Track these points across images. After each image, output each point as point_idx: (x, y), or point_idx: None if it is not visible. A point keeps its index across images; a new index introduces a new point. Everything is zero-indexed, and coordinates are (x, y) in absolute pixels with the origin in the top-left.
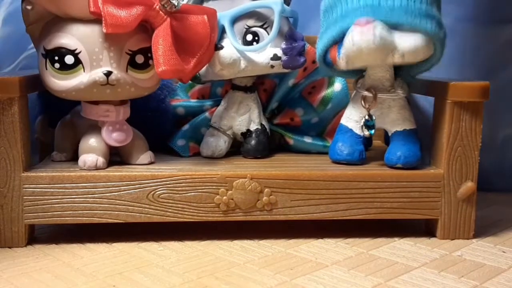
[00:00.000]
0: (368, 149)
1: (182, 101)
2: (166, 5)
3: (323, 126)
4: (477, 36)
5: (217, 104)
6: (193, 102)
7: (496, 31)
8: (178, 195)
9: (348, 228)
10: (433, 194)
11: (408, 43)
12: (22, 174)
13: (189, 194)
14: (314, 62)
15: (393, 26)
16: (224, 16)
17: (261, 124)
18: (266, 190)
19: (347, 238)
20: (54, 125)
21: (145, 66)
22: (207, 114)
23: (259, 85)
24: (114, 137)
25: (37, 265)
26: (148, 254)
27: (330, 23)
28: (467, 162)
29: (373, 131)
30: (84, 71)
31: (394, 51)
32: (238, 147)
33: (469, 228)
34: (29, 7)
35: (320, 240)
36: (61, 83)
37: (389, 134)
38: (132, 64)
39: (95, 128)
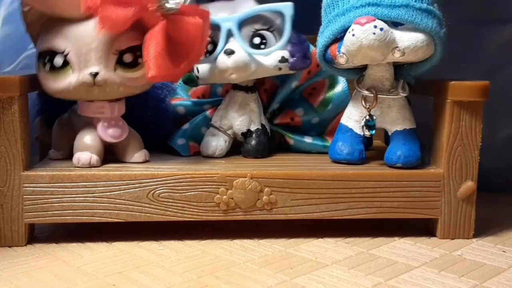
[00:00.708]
0: (369, 149)
1: (182, 100)
2: (163, 7)
3: (323, 126)
4: (477, 36)
5: (217, 103)
6: (193, 101)
7: (496, 31)
8: (178, 194)
9: (348, 227)
10: (433, 193)
11: (408, 41)
12: (22, 173)
13: (189, 193)
14: (318, 65)
15: (394, 24)
16: (230, 19)
17: (262, 124)
18: (266, 189)
19: (347, 238)
20: (52, 124)
21: (134, 65)
22: (207, 113)
23: (260, 85)
24: (109, 133)
25: (37, 264)
26: (148, 254)
27: (330, 19)
28: (467, 162)
29: (373, 131)
30: (72, 71)
31: (394, 49)
32: (238, 147)
33: (469, 227)
34: (25, 9)
35: (320, 239)
36: (52, 84)
37: (389, 134)
38: (121, 63)
39: (90, 126)
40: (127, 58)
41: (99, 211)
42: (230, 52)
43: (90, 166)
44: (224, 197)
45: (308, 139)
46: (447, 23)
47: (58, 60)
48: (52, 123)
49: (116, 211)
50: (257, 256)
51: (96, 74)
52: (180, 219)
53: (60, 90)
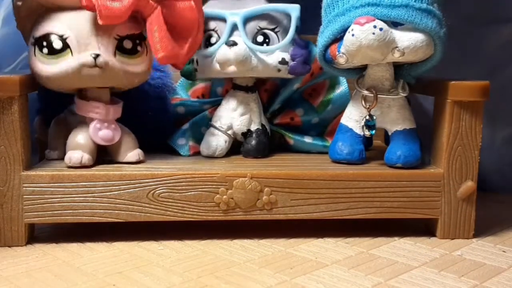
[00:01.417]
0: (369, 149)
1: (182, 100)
2: None
3: (323, 126)
4: (477, 36)
5: (217, 103)
6: (193, 101)
7: (496, 31)
8: (178, 194)
9: (348, 227)
10: (433, 193)
11: (408, 41)
12: (22, 173)
13: (189, 193)
14: (321, 68)
15: (394, 24)
16: (237, 14)
17: (262, 124)
18: (266, 189)
19: (347, 238)
20: (50, 124)
21: (134, 52)
22: (207, 113)
23: (260, 85)
24: (100, 135)
25: (37, 264)
26: (148, 253)
27: (330, 19)
28: (467, 162)
29: (374, 131)
30: (72, 55)
31: (394, 49)
32: (238, 147)
33: (469, 227)
34: (19, 3)
35: (320, 239)
36: (48, 68)
37: (389, 134)
38: (120, 49)
39: (83, 125)
40: (127, 44)
41: (99, 211)
42: (232, 44)
43: (82, 165)
44: (224, 197)
45: (308, 139)
46: (447, 23)
47: (58, 43)
48: (50, 122)
49: (116, 211)
50: (257, 256)
51: (97, 56)
52: (180, 219)
53: (57, 74)
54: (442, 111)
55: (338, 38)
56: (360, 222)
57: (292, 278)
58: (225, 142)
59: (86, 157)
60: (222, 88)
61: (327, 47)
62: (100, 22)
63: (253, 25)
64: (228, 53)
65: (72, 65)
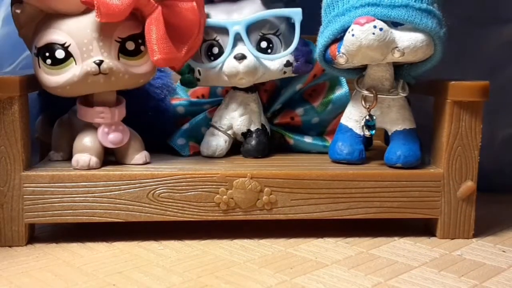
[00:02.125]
0: (369, 149)
1: (182, 100)
2: None
3: (323, 127)
4: (477, 36)
5: (217, 103)
6: (193, 101)
7: (496, 31)
8: (178, 194)
9: (348, 227)
10: (433, 193)
11: (408, 41)
12: (22, 173)
13: (189, 193)
14: (324, 70)
15: (394, 24)
16: (238, 23)
17: (262, 124)
18: (266, 189)
19: (347, 238)
20: (53, 124)
21: (137, 52)
22: (207, 113)
23: (260, 86)
24: (110, 139)
25: (37, 264)
26: (148, 253)
27: (330, 19)
28: (467, 162)
29: (373, 131)
30: (75, 63)
31: (394, 49)
32: (238, 147)
33: (469, 227)
34: (18, 11)
35: (320, 239)
36: (55, 78)
37: (389, 134)
38: (123, 51)
39: (90, 127)
40: (129, 45)
41: (99, 211)
42: (241, 57)
43: (89, 168)
44: (224, 197)
45: (308, 139)
46: (447, 23)
47: (60, 53)
48: (53, 122)
49: (116, 211)
50: (257, 256)
51: (101, 62)
52: (180, 219)
53: (63, 84)
54: (442, 111)
55: (338, 38)
56: (360, 222)
57: (292, 278)
58: (225, 142)
59: (94, 160)
60: (222, 89)
61: (327, 47)
62: (98, 19)
63: (255, 32)
64: (238, 67)
65: (77, 74)
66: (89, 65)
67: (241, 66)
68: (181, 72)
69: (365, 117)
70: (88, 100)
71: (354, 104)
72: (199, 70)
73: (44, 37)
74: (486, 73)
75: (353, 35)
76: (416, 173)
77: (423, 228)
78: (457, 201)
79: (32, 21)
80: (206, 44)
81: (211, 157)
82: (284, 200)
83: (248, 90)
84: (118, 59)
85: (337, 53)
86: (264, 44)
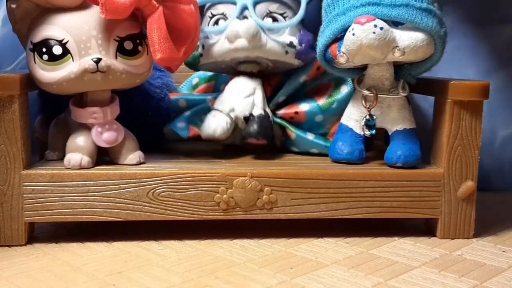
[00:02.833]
0: (369, 149)
1: (184, 94)
2: None
3: (326, 128)
4: (477, 36)
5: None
6: (195, 95)
7: (496, 31)
8: (178, 193)
9: (348, 227)
10: (433, 193)
11: (408, 40)
12: (22, 172)
13: (189, 192)
14: None
15: (394, 23)
16: None
17: (264, 111)
18: (266, 188)
19: (347, 238)
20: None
21: (135, 52)
22: (209, 103)
23: (265, 80)
24: (104, 138)
25: (37, 264)
26: (148, 253)
27: (331, 19)
28: (467, 162)
29: (374, 131)
30: (73, 60)
31: (395, 48)
32: (237, 147)
33: (469, 227)
34: (13, 6)
35: (320, 239)
36: (51, 74)
37: (389, 134)
38: (121, 50)
39: (84, 126)
40: (128, 45)
41: (99, 210)
42: (243, 18)
43: (81, 167)
44: (224, 196)
45: (310, 136)
46: (447, 23)
47: (57, 49)
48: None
49: (116, 210)
50: (257, 256)
51: (99, 60)
52: (180, 218)
53: (59, 80)
54: (442, 111)
55: (338, 38)
56: (360, 222)
57: (292, 278)
58: (226, 123)
59: (85, 160)
60: (225, 85)
61: (327, 46)
62: (102, 16)
63: (262, 8)
64: (239, 25)
65: (74, 71)
66: (87, 62)
67: (242, 24)
68: None
69: (365, 116)
70: (82, 100)
71: (354, 104)
72: (203, 45)
73: (41, 33)
74: (486, 72)
75: (353, 34)
76: (416, 173)
77: (423, 228)
78: (458, 201)
79: (28, 17)
80: (214, 19)
81: (211, 139)
82: (284, 199)
83: (253, 75)
84: (116, 58)
85: (337, 52)
86: (269, 21)
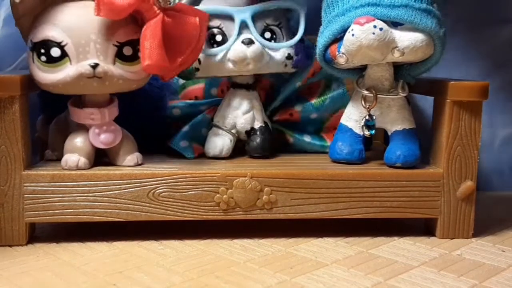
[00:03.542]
0: (368, 149)
1: (178, 102)
2: (161, 0)
3: (321, 122)
4: (477, 36)
5: (214, 104)
6: (190, 102)
7: (495, 31)
8: (178, 193)
9: (348, 227)
10: (433, 193)
11: (408, 41)
12: (23, 172)
13: (189, 192)
14: (321, 67)
15: (393, 24)
16: (243, 11)
17: (264, 122)
18: (266, 189)
19: (347, 237)
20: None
21: (134, 58)
22: (205, 114)
23: (257, 84)
24: (101, 140)
25: (37, 264)
26: (148, 253)
27: (330, 19)
28: (466, 162)
29: (373, 131)
30: (70, 63)
31: (394, 49)
32: (237, 146)
33: (468, 227)
34: (17, 0)
35: (320, 239)
36: (48, 76)
37: (389, 134)
38: (120, 56)
39: (82, 127)
40: (127, 51)
41: (99, 210)
42: (249, 42)
43: (78, 168)
44: (224, 196)
45: (307, 138)
46: (447, 23)
47: (56, 51)
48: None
49: (117, 211)
50: (257, 256)
51: (96, 65)
52: (180, 218)
53: (56, 83)
54: (442, 111)
55: (338, 38)
56: (360, 221)
57: (292, 277)
58: (230, 141)
59: (82, 161)
60: (217, 89)
61: (327, 47)
62: (95, 13)
63: (260, 22)
64: (246, 51)
65: (70, 75)
66: (83, 67)
67: (249, 50)
68: None
69: (365, 117)
70: (80, 100)
71: (354, 104)
72: (199, 59)
73: (41, 33)
74: (486, 73)
75: (353, 35)
76: (416, 173)
77: (422, 228)
78: (457, 201)
79: (30, 13)
80: (209, 32)
81: (217, 158)
82: (284, 199)
83: (249, 87)
84: (114, 63)
85: (337, 53)
86: (268, 35)
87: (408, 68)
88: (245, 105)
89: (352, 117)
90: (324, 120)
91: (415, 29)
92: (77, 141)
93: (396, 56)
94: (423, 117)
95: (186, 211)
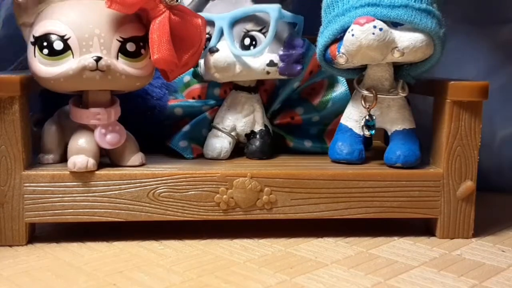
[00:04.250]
0: (368, 149)
1: (180, 101)
2: None
3: (324, 125)
4: (477, 36)
5: (217, 104)
6: (192, 102)
7: (495, 31)
8: (178, 193)
9: (348, 227)
10: (433, 193)
11: (408, 41)
12: (23, 172)
13: (189, 192)
14: (319, 65)
15: (393, 24)
16: (223, 18)
17: (265, 125)
18: (266, 189)
19: (346, 237)
20: (38, 125)
21: (137, 55)
22: (207, 114)
23: (260, 86)
24: (108, 140)
25: (37, 263)
26: (148, 253)
27: (330, 19)
28: (466, 162)
29: (373, 131)
30: (73, 57)
31: (394, 49)
32: (237, 147)
33: (468, 227)
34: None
35: (319, 239)
36: (49, 69)
37: (389, 134)
38: (124, 52)
39: (84, 128)
40: (130, 47)
41: (99, 210)
42: (213, 51)
43: (87, 170)
44: (224, 196)
45: (308, 143)
46: (447, 23)
47: (58, 44)
48: (41, 123)
49: (117, 211)
50: (257, 256)
51: (99, 59)
52: (181, 218)
53: (57, 76)
54: (442, 111)
55: (338, 38)
56: (360, 221)
57: (292, 277)
58: (229, 143)
59: (91, 162)
60: (220, 89)
61: (327, 47)
62: (107, 5)
63: (239, 28)
64: (210, 60)
65: (73, 68)
66: (86, 59)
67: (212, 59)
68: None
69: (365, 117)
70: (81, 101)
71: (354, 104)
72: (199, 63)
73: (44, 27)
74: (486, 73)
75: (353, 35)
76: (416, 173)
77: (422, 228)
78: (457, 201)
79: (33, 12)
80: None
81: (215, 159)
82: (284, 199)
83: (251, 90)
84: (117, 58)
85: (337, 53)
86: (247, 41)
87: (408, 68)
88: (246, 108)
89: (352, 117)
90: (328, 122)
91: (415, 29)
92: (82, 141)
93: (396, 56)
94: (423, 117)
95: (186, 211)
